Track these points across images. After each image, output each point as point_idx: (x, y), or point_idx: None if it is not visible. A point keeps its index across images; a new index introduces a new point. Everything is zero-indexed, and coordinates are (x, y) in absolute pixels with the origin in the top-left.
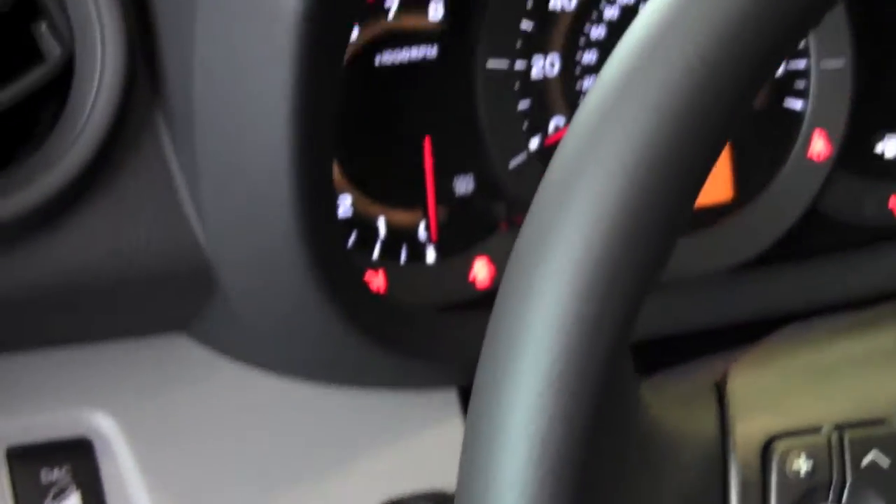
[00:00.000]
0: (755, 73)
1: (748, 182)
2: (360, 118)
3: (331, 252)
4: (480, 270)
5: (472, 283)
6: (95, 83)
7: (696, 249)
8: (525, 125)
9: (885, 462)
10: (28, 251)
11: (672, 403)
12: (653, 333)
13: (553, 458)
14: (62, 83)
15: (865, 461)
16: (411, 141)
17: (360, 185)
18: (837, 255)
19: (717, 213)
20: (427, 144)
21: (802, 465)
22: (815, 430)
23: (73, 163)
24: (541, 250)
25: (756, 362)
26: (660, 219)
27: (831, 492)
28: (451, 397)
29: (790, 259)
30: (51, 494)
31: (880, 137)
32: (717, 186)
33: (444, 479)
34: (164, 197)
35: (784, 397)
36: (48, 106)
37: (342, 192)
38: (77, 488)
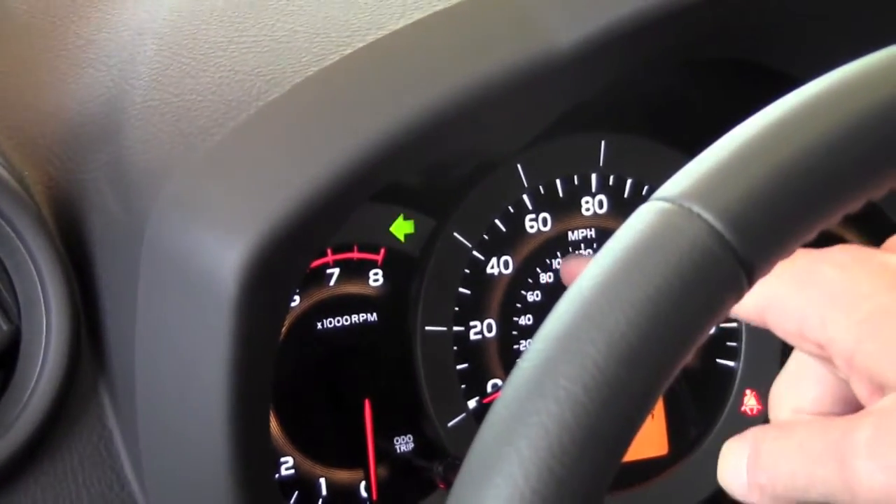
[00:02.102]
0: (675, 349)
1: (682, 438)
2: (301, 380)
3: None
4: None
5: None
6: (41, 358)
7: None
8: (463, 386)
9: None
10: None
11: None
12: None
13: None
14: (9, 358)
15: None
16: (352, 403)
17: (301, 447)
18: None
19: (651, 467)
20: (367, 407)
21: None
22: None
23: (17, 436)
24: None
25: None
26: (585, 482)
27: None
28: None
29: None
30: None
31: None
32: (652, 442)
33: None
34: (106, 467)
35: None
36: None
37: (284, 454)
38: None
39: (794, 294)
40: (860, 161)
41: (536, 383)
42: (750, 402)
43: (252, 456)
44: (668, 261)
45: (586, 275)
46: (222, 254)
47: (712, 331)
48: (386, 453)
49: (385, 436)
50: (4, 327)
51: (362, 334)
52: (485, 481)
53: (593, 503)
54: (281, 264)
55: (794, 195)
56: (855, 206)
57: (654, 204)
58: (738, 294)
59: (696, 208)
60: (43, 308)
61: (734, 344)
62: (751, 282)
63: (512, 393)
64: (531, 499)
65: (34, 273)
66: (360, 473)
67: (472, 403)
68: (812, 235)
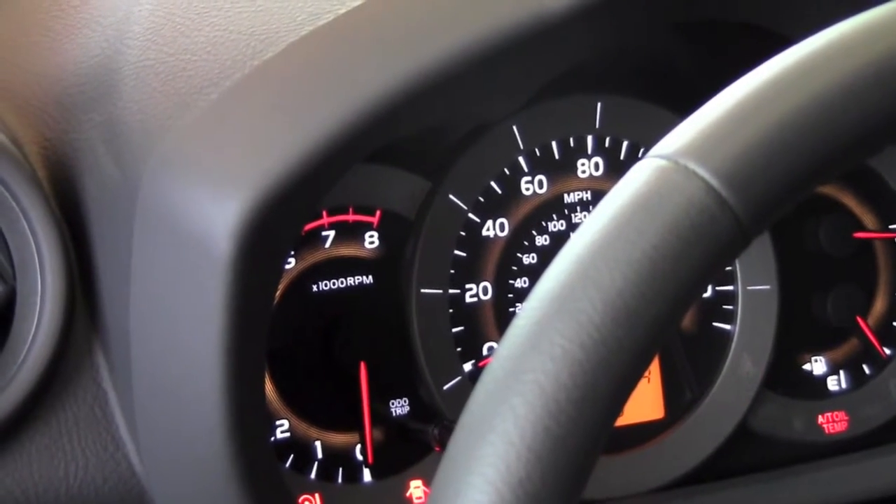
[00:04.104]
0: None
1: (679, 401)
2: (296, 343)
3: (265, 478)
4: (416, 490)
5: (409, 500)
6: (35, 318)
7: (627, 468)
8: (459, 349)
9: None
10: None
11: None
12: None
13: None
14: (4, 318)
15: None
16: (347, 366)
17: (297, 410)
18: (768, 471)
19: (648, 431)
20: (362, 370)
21: None
22: None
23: (12, 396)
24: (465, 466)
25: None
26: (581, 442)
27: None
28: None
29: (721, 476)
30: None
31: (807, 358)
32: (649, 406)
33: None
34: (101, 428)
35: None
36: None
37: (280, 416)
38: None
39: None
40: (856, 118)
41: (532, 341)
42: (746, 366)
43: (247, 418)
44: (665, 218)
45: (582, 232)
46: (217, 212)
47: (709, 294)
48: (381, 416)
49: (380, 399)
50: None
51: (357, 297)
52: (480, 439)
53: (589, 462)
54: (276, 223)
55: (790, 152)
56: (850, 163)
57: (651, 161)
58: (735, 251)
59: (693, 165)
60: (38, 268)
61: (730, 307)
62: (746, 239)
63: (507, 351)
64: (527, 457)
65: (28, 233)
66: (355, 436)
67: (467, 367)
68: (808, 193)
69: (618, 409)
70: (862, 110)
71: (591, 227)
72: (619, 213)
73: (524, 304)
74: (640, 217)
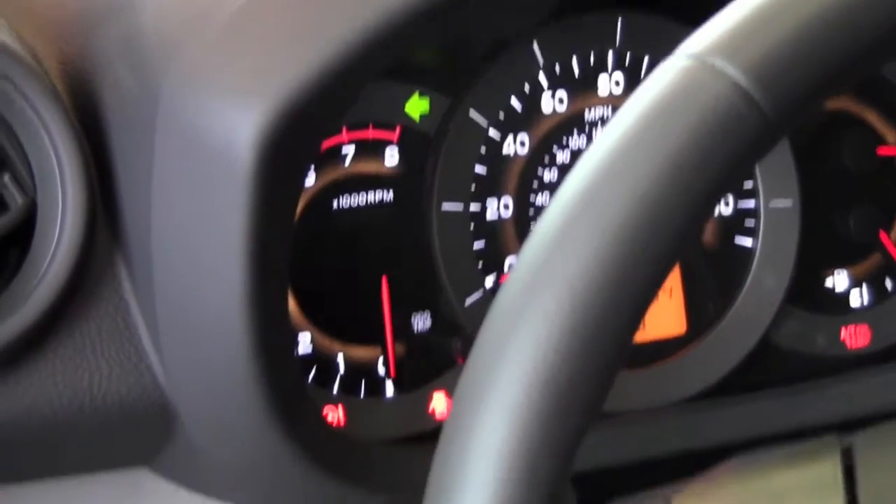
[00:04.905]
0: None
1: (701, 316)
2: (318, 258)
3: (288, 389)
4: (439, 403)
5: (432, 415)
6: (57, 230)
7: (649, 383)
8: (480, 264)
9: None
10: None
11: None
12: (602, 463)
13: None
14: (25, 230)
15: None
16: (369, 280)
17: (319, 324)
18: (790, 386)
19: (670, 346)
20: (384, 283)
21: None
22: None
23: (34, 307)
24: (487, 376)
25: (699, 493)
26: (603, 348)
27: None
28: None
29: (743, 390)
30: None
31: (829, 272)
32: (671, 321)
33: None
34: (123, 339)
35: None
36: (11, 253)
37: (302, 329)
38: None
39: None
40: (882, 16)
41: (559, 241)
42: (768, 281)
43: (271, 329)
44: (691, 117)
45: (607, 132)
46: (238, 124)
47: (730, 210)
48: (403, 330)
49: (402, 313)
50: (20, 200)
51: (378, 213)
52: (508, 337)
53: (617, 362)
54: (297, 134)
55: (816, 49)
56: (877, 63)
57: (675, 61)
58: (762, 150)
59: (718, 63)
60: (58, 180)
61: (752, 222)
62: (773, 138)
63: (535, 251)
64: (553, 359)
65: (49, 145)
66: (377, 350)
67: (489, 281)
68: (834, 92)
69: (645, 307)
70: (888, 8)
71: (617, 127)
72: (644, 113)
73: (549, 205)
74: (666, 116)
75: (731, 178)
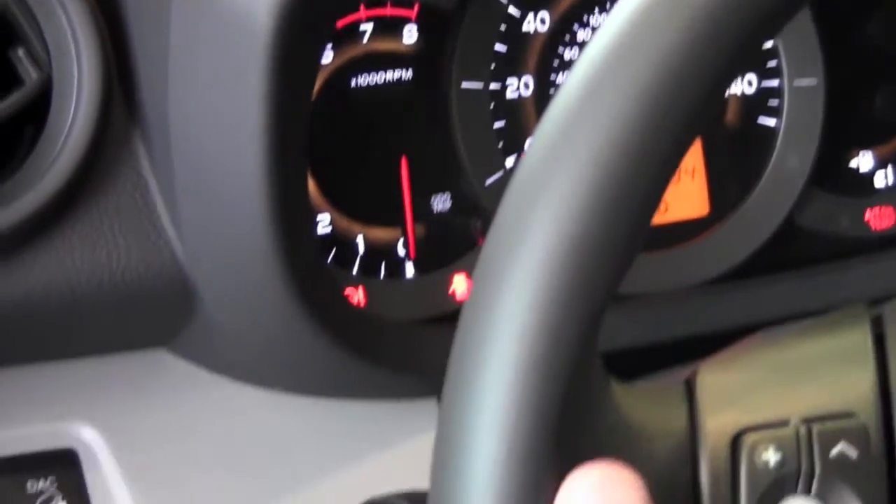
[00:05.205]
0: (720, 74)
1: (724, 197)
2: (337, 139)
3: (309, 266)
4: (459, 285)
5: (452, 296)
6: (72, 106)
7: (672, 264)
8: (500, 144)
9: (853, 453)
10: (8, 270)
11: (641, 400)
12: (624, 345)
13: (522, 453)
14: (41, 106)
15: (834, 452)
16: (388, 160)
17: (338, 204)
18: (814, 267)
19: (692, 228)
20: (404, 164)
21: (771, 456)
22: (784, 423)
23: (50, 183)
24: (507, 253)
25: (725, 361)
26: (626, 218)
27: (800, 482)
28: (431, 407)
29: (767, 271)
30: (37, 503)
31: (854, 153)
32: (693, 202)
33: (425, 485)
34: (142, 216)
35: (752, 393)
36: (27, 130)
37: (321, 210)
38: (63, 498)
39: None
40: None
41: (579, 107)
42: (792, 161)
43: (290, 204)
44: None
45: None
46: None
47: (753, 89)
48: (423, 211)
49: (422, 194)
50: (35, 75)
51: (397, 92)
52: (529, 206)
53: (641, 228)
54: (315, 2)
55: None
56: None
57: None
58: (783, 14)
59: None
60: (73, 54)
61: (776, 102)
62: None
63: (554, 120)
64: (580, 217)
65: (64, 18)
66: (397, 231)
67: (509, 161)
68: None
69: (668, 175)
70: None
71: None
72: None
73: (568, 74)
74: None
75: (754, 39)
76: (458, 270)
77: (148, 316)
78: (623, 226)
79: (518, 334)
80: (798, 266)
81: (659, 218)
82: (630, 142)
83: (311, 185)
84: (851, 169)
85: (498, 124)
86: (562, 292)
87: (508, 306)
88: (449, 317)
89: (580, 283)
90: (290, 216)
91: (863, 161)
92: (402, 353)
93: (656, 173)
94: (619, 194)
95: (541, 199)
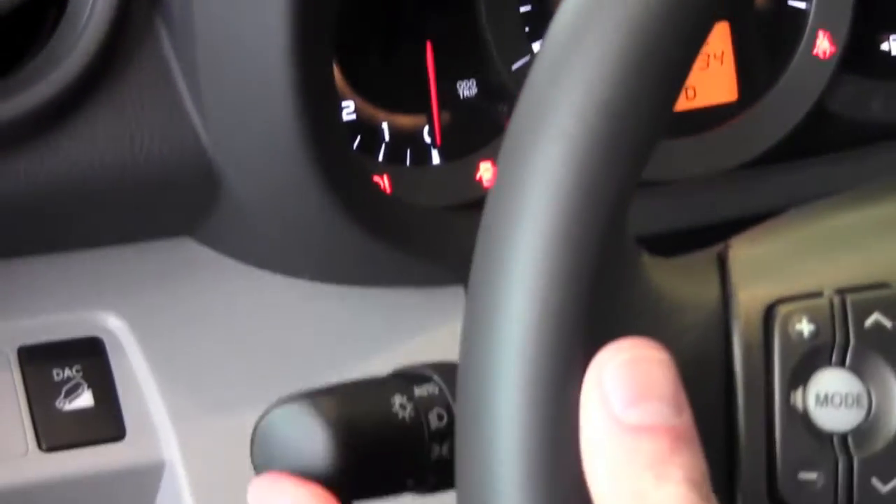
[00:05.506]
0: None
1: (753, 82)
2: (361, 24)
3: (335, 151)
4: (486, 171)
5: (479, 183)
6: None
7: (702, 149)
8: (527, 28)
9: (888, 323)
10: (31, 154)
11: (673, 273)
12: (655, 231)
13: (552, 320)
14: None
15: (868, 323)
16: (413, 46)
17: (362, 91)
18: (844, 152)
19: (721, 113)
20: (429, 49)
21: (805, 327)
22: (818, 294)
23: (73, 65)
24: (532, 130)
25: (758, 234)
26: (660, 76)
27: (834, 353)
28: (457, 294)
29: (797, 157)
30: (63, 391)
31: (885, 36)
32: (722, 87)
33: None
34: (165, 99)
35: (786, 264)
36: (49, 12)
37: (345, 97)
38: (89, 386)
39: None
40: None
41: None
42: (822, 45)
43: (315, 85)
44: None
45: None
46: None
47: None
48: (449, 97)
49: (448, 79)
50: None
51: None
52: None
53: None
54: None
55: None
56: None
57: None
58: None
59: None
60: None
61: None
62: None
63: None
64: (612, 79)
65: None
66: (423, 118)
67: (536, 46)
68: None
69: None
70: None
71: None
72: None
73: None
74: None
75: None
76: (485, 157)
77: (172, 202)
78: (652, 89)
79: (546, 208)
80: (828, 151)
81: (687, 103)
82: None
83: (336, 72)
84: (883, 52)
85: (524, 8)
86: (590, 164)
87: (536, 179)
88: (476, 203)
89: (609, 152)
90: (316, 100)
91: (894, 44)
92: (428, 239)
93: (687, 34)
94: (647, 60)
95: (564, 77)
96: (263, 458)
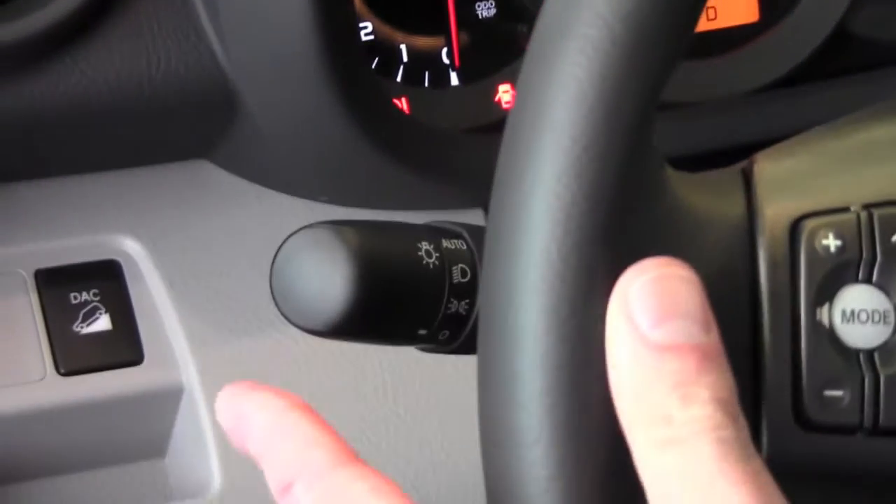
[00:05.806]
0: None
1: (774, 3)
2: None
3: (353, 71)
4: (505, 93)
5: (498, 104)
6: None
7: (722, 72)
8: None
9: None
10: (47, 75)
11: (698, 187)
12: (677, 153)
13: (577, 234)
14: None
15: (895, 239)
16: None
17: (380, 12)
18: (867, 73)
19: (743, 34)
20: None
21: (831, 242)
22: (844, 209)
23: None
24: (558, 33)
25: (783, 150)
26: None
27: (861, 269)
28: (477, 217)
29: (818, 78)
30: (80, 315)
31: None
32: (742, 8)
33: None
34: (182, 20)
35: (812, 180)
36: None
37: (362, 19)
38: (106, 309)
39: None
40: None
41: None
42: None
43: (333, 10)
44: None
45: None
46: None
47: None
48: (468, 18)
49: (466, 0)
50: None
51: None
52: None
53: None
54: None
55: None
56: None
57: None
58: None
59: None
60: None
61: None
62: None
63: None
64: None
65: None
66: (441, 39)
67: None
68: None
69: None
70: None
71: None
72: None
73: None
74: None
75: None
76: (504, 79)
77: (189, 123)
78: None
79: (570, 120)
80: (850, 73)
81: (708, 24)
82: None
83: None
84: None
85: None
86: (614, 75)
87: (559, 91)
88: (495, 126)
89: (634, 63)
90: (334, 20)
91: None
92: (447, 161)
93: None
94: None
95: None
96: (282, 280)
